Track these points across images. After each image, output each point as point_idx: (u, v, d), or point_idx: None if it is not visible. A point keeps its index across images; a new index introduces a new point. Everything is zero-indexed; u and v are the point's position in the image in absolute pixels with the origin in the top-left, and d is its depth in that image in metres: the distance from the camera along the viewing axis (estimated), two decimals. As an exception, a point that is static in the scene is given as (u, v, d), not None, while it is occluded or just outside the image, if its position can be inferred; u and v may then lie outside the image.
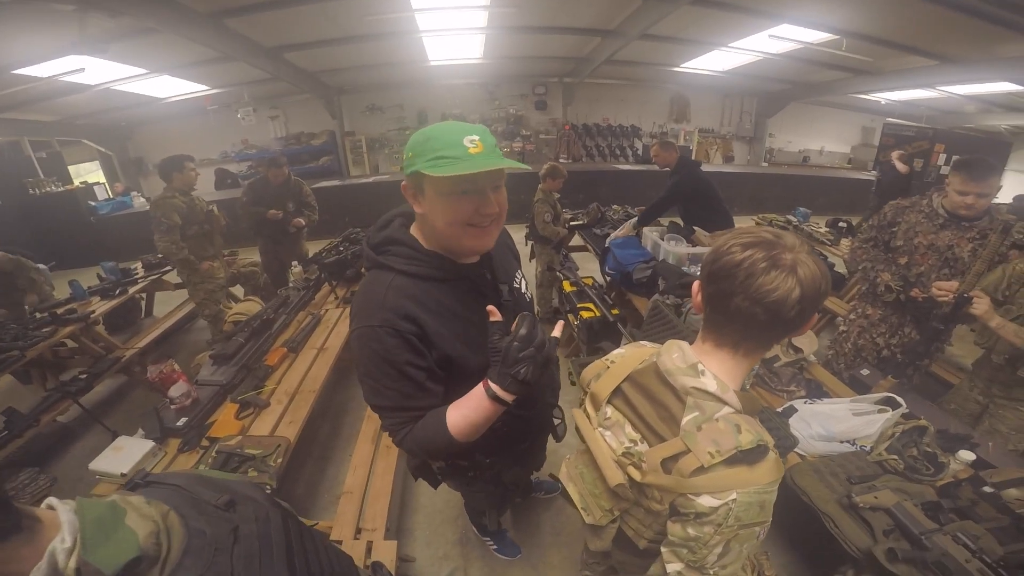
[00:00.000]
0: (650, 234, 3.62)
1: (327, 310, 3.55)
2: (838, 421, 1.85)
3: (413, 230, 1.14)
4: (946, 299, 2.09)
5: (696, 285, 0.88)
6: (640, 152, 9.71)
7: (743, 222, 5.37)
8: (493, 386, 0.98)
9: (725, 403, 0.80)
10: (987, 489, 1.61)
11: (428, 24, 5.61)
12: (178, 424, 2.16)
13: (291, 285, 3.99)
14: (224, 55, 5.31)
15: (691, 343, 0.91)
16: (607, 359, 1.03)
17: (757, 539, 0.78)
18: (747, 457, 0.75)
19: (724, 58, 7.28)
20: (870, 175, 10.11)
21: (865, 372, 2.42)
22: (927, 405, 2.22)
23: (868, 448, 1.83)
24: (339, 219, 7.34)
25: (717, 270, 0.80)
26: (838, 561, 1.59)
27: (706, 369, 0.83)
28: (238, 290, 4.85)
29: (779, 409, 2.01)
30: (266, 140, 9.19)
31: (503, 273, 1.24)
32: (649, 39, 6.18)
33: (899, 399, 1.89)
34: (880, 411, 1.87)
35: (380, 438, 2.50)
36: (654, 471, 0.81)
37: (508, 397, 0.98)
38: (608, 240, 3.95)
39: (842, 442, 1.85)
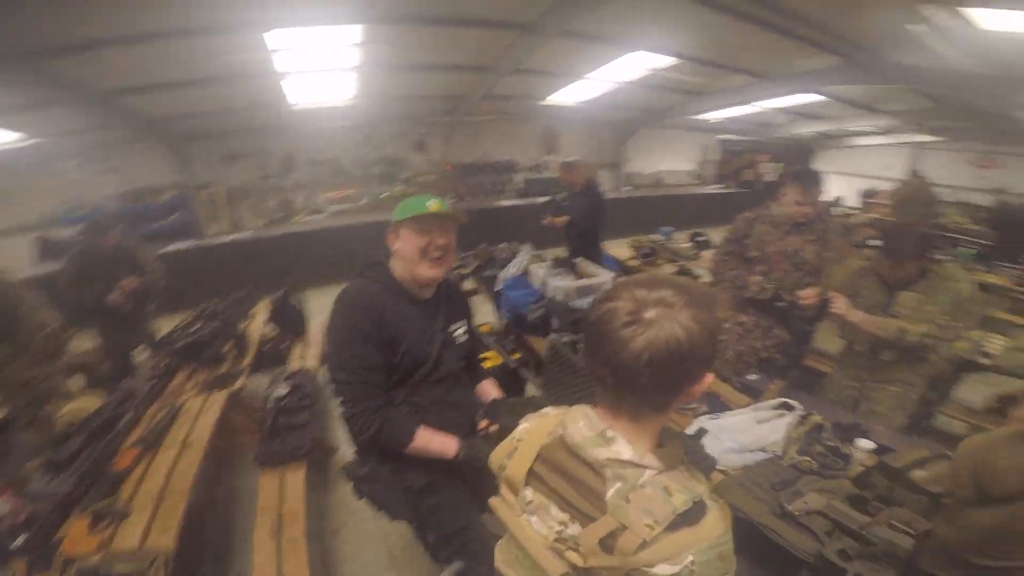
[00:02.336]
0: (537, 271, 3.58)
1: (186, 399, 3.00)
2: (745, 432, 1.91)
3: (389, 264, 1.62)
4: (810, 303, 2.28)
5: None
6: (522, 186, 10.01)
7: (616, 247, 5.66)
8: (460, 450, 1.53)
9: (645, 467, 0.75)
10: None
11: (290, 65, 5.24)
12: (16, 545, 1.80)
13: (137, 375, 3.39)
14: (45, 99, 4.60)
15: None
16: (513, 437, 0.95)
17: None
18: (687, 519, 0.71)
19: (586, 88, 7.77)
20: (717, 189, 11.80)
21: (753, 377, 2.55)
22: (814, 401, 2.38)
23: (780, 453, 1.89)
24: (194, 288, 5.94)
25: (585, 325, 0.77)
26: (792, 565, 1.58)
27: (616, 435, 0.78)
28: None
29: (690, 431, 2.02)
30: (98, 198, 7.80)
31: (449, 315, 1.70)
32: (521, 73, 6.37)
33: (793, 402, 2.01)
34: (779, 415, 1.96)
35: (282, 530, 2.17)
36: (594, 553, 0.74)
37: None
38: (499, 281, 3.81)
39: (753, 451, 1.89)
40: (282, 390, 2.99)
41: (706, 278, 4.26)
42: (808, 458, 1.83)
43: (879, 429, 2.08)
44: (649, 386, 0.72)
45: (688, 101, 8.74)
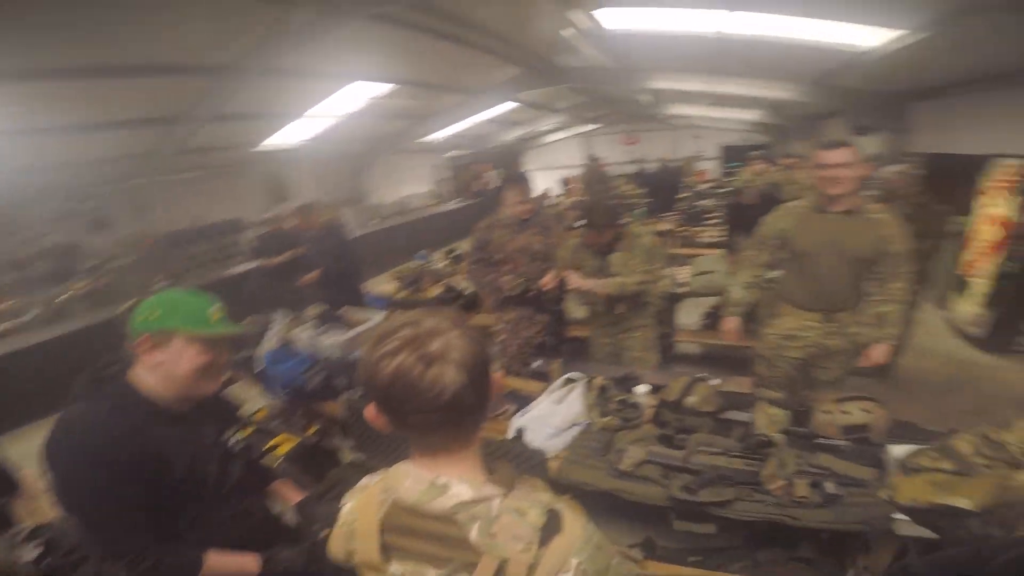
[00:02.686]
0: (301, 336, 3.19)
1: None
2: (552, 415, 2.02)
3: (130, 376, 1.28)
4: (551, 285, 2.66)
5: (369, 409, 0.80)
6: (256, 244, 8.68)
7: (380, 283, 5.53)
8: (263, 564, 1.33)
9: (490, 498, 0.76)
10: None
11: None
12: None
13: None
14: None
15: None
16: (343, 522, 0.89)
17: (619, 563, 0.78)
18: (551, 529, 0.73)
19: (307, 127, 7.31)
20: (457, 204, 12.46)
21: (537, 363, 2.79)
22: (589, 366, 2.68)
23: (588, 422, 2.05)
24: None
25: (378, 391, 0.75)
26: (659, 515, 1.69)
27: (447, 479, 0.77)
28: None
29: (510, 435, 2.04)
30: None
31: (218, 421, 1.45)
32: (224, 119, 5.63)
33: (574, 374, 2.23)
34: (570, 390, 2.14)
35: None
36: None
37: None
38: (258, 360, 3.26)
39: (568, 429, 2.02)
40: (32, 552, 1.96)
41: (470, 288, 4.47)
42: (609, 417, 2.02)
43: (645, 372, 2.48)
44: (474, 407, 0.75)
45: (414, 125, 9.10)
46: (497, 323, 3.13)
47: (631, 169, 13.58)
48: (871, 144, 8.08)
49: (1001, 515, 0.65)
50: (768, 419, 1.87)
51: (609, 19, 4.70)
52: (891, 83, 6.05)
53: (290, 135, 7.47)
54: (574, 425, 2.04)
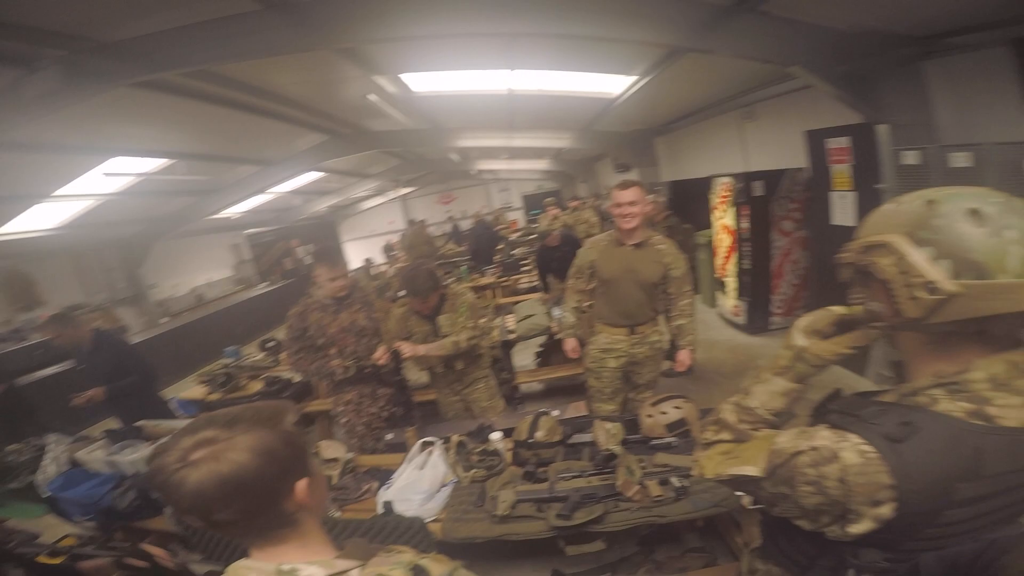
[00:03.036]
0: (94, 455, 2.76)
1: None
2: (419, 481, 2.02)
3: None
4: (384, 360, 2.60)
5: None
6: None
7: (185, 388, 4.79)
8: None
9: (346, 571, 0.75)
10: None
11: None
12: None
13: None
14: None
15: None
16: None
17: None
18: None
19: (55, 211, 6.04)
20: (265, 287, 10.70)
21: (390, 436, 2.72)
22: (441, 426, 2.76)
23: (456, 479, 2.08)
24: None
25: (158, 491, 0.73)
26: (549, 547, 1.74)
27: (292, 564, 0.75)
28: None
29: (380, 512, 1.99)
30: None
31: None
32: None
33: (430, 438, 2.25)
34: (429, 453, 2.15)
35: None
36: None
37: None
38: (42, 487, 2.80)
39: (439, 490, 2.02)
40: None
41: (298, 378, 4.12)
42: (475, 470, 2.07)
43: (496, 419, 2.60)
44: (234, 519, 0.72)
45: (200, 201, 8.04)
46: (336, 406, 2.95)
47: (450, 227, 14.14)
48: (630, 179, 9.65)
49: (780, 475, 0.74)
50: (606, 434, 2.05)
51: (416, 83, 4.92)
52: (636, 123, 7.43)
53: (32, 220, 6.03)
54: (444, 485, 2.05)
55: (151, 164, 5.56)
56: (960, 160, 2.79)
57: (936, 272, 0.66)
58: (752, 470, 0.79)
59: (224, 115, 4.74)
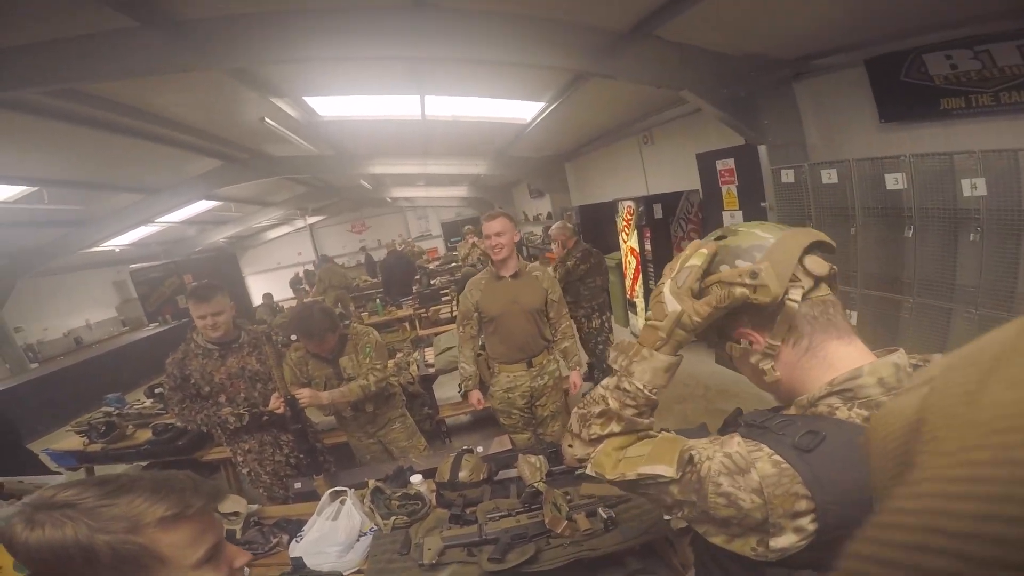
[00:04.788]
0: None
1: None
2: (333, 532, 1.89)
3: None
4: (281, 408, 2.39)
5: None
6: None
7: (62, 439, 4.19)
8: None
9: None
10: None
11: None
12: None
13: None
14: None
15: None
16: None
17: None
18: None
19: None
20: (154, 329, 9.26)
21: (298, 485, 2.50)
22: (355, 471, 2.56)
23: (375, 527, 1.94)
24: None
25: None
26: None
27: None
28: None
29: (290, 569, 1.77)
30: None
31: None
32: None
33: (341, 487, 2.10)
34: (341, 502, 2.01)
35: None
36: None
37: None
38: None
39: (357, 540, 1.89)
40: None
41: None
42: (396, 516, 1.94)
43: (415, 460, 2.45)
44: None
45: (72, 233, 7.10)
46: (235, 456, 2.71)
47: (362, 258, 13.57)
48: (544, 204, 10.05)
49: (689, 480, 0.70)
50: (531, 468, 2.00)
51: (323, 107, 4.72)
52: (547, 149, 7.68)
53: None
54: (362, 535, 1.91)
55: (7, 192, 4.86)
56: (829, 177, 3.11)
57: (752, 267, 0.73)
58: (666, 469, 0.73)
59: (98, 138, 4.26)
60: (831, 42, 3.13)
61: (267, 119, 4.70)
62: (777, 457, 0.65)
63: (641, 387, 0.82)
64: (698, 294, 0.79)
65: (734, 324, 0.78)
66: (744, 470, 0.66)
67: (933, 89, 2.92)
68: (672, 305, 0.80)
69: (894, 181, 2.77)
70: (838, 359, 0.73)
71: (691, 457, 0.72)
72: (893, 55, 3.00)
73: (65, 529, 0.64)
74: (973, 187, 2.42)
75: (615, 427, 0.85)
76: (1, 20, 2.40)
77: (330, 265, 8.99)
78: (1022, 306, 2.34)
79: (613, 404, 0.84)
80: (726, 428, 0.83)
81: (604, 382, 0.88)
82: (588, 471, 0.88)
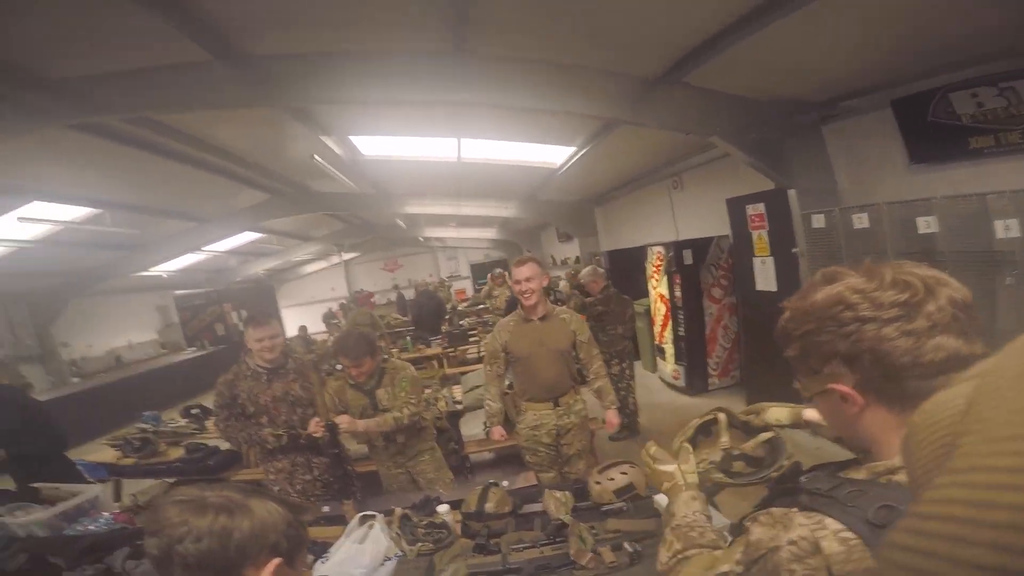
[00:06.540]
0: None
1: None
2: (359, 555, 1.91)
3: None
4: (320, 432, 2.48)
5: None
6: None
7: (95, 451, 4.35)
8: None
9: None
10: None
11: None
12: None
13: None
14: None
15: None
16: None
17: None
18: None
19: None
20: (192, 353, 9.77)
21: (326, 508, 2.54)
22: (383, 498, 2.63)
23: (401, 552, 1.96)
24: None
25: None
26: None
27: None
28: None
29: None
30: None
31: None
32: None
33: (370, 512, 2.12)
34: (370, 527, 2.04)
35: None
36: None
37: None
38: None
39: (382, 564, 1.90)
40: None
41: (225, 445, 3.85)
42: (421, 543, 1.97)
43: (440, 491, 2.51)
44: None
45: (127, 256, 7.55)
46: (267, 474, 2.80)
47: (394, 296, 13.89)
48: (572, 248, 10.15)
49: (759, 572, 0.69)
50: (557, 503, 2.01)
51: (365, 146, 4.98)
52: (577, 193, 7.82)
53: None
54: (387, 559, 1.94)
55: (75, 212, 5.21)
56: (860, 221, 3.08)
57: None
58: (726, 566, 0.73)
59: (162, 166, 4.58)
60: (857, 84, 3.16)
61: (316, 156, 5.00)
62: (846, 534, 0.63)
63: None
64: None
65: (829, 378, 0.70)
66: (811, 553, 0.64)
67: (961, 128, 2.85)
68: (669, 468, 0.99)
69: (926, 224, 2.74)
70: None
71: (756, 545, 0.70)
72: (920, 95, 2.98)
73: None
74: (1007, 228, 2.37)
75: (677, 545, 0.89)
76: (94, 48, 2.65)
77: (363, 308, 9.26)
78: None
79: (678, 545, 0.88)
80: (787, 489, 0.80)
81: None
82: None
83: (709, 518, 0.91)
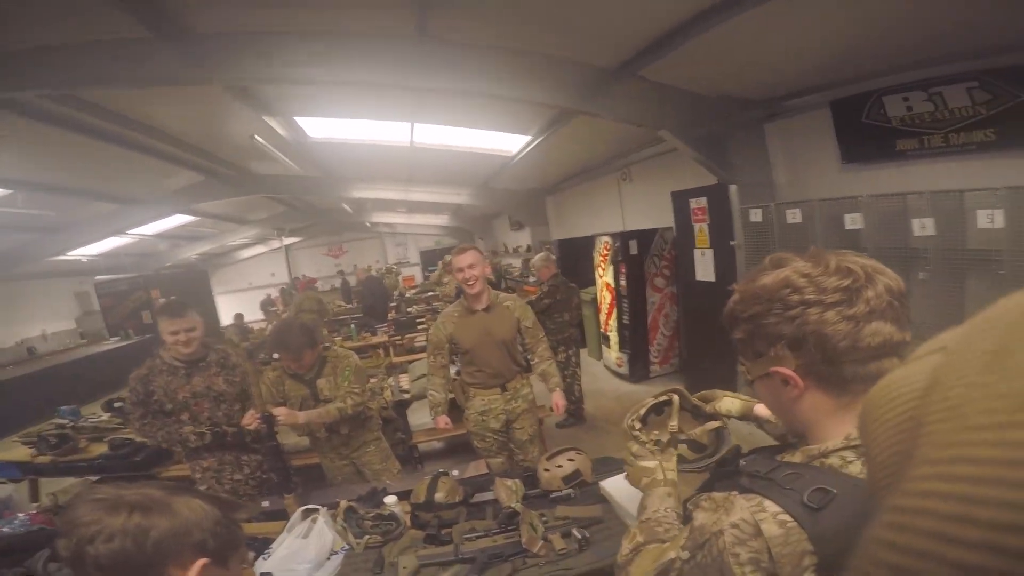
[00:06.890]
0: None
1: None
2: (303, 550, 1.88)
3: None
4: (255, 424, 2.37)
5: None
6: None
7: (4, 449, 4.05)
8: None
9: None
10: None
11: None
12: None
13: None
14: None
15: None
16: None
17: None
18: None
19: None
20: (115, 343, 8.98)
21: (267, 503, 2.45)
22: (327, 491, 2.55)
23: (347, 546, 1.94)
24: None
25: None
26: None
27: None
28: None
29: None
30: None
31: None
32: None
33: (312, 505, 2.08)
34: (313, 520, 2.01)
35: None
36: None
37: None
38: None
39: (328, 559, 1.89)
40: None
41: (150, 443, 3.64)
42: (369, 536, 1.94)
43: (388, 482, 2.47)
44: None
45: (41, 239, 6.92)
46: (194, 473, 2.64)
47: (338, 282, 13.41)
48: (524, 237, 10.23)
49: (705, 556, 0.72)
50: (508, 491, 2.03)
51: (313, 128, 4.77)
52: (530, 182, 7.85)
53: None
54: (333, 553, 1.92)
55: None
56: (794, 216, 3.25)
57: None
58: (673, 552, 0.76)
59: (82, 143, 4.22)
60: (801, 84, 3.32)
61: (257, 136, 4.73)
62: (784, 516, 0.65)
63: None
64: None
65: (772, 361, 0.72)
66: (753, 535, 0.66)
67: (890, 131, 3.04)
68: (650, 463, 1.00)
69: (852, 221, 2.92)
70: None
71: (700, 530, 0.73)
72: (857, 97, 3.13)
73: None
74: (923, 227, 2.57)
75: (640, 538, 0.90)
76: (24, 20, 2.41)
77: (309, 291, 8.88)
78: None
79: (642, 538, 0.89)
80: (727, 472, 0.82)
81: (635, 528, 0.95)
82: None
83: (679, 516, 0.91)
